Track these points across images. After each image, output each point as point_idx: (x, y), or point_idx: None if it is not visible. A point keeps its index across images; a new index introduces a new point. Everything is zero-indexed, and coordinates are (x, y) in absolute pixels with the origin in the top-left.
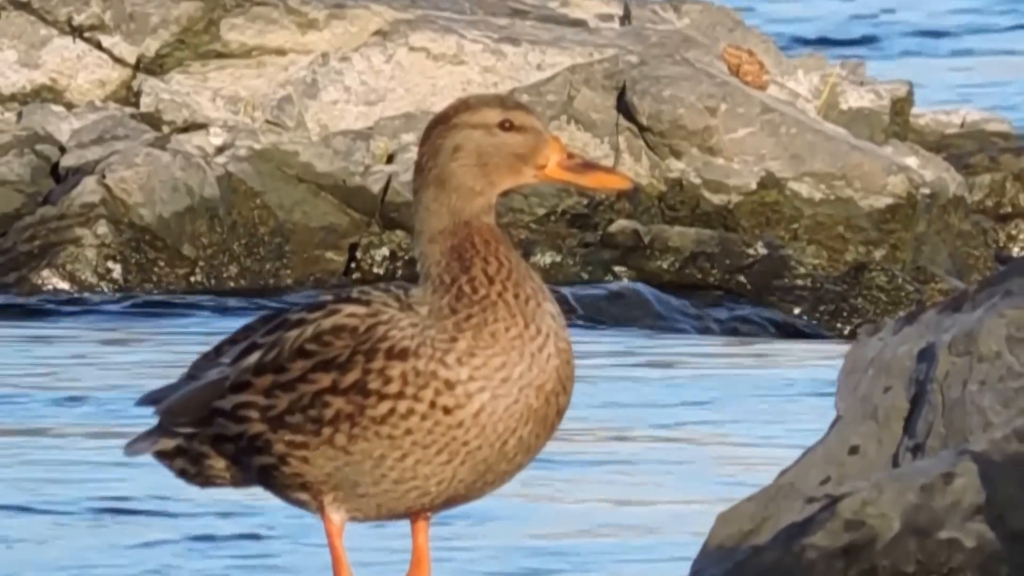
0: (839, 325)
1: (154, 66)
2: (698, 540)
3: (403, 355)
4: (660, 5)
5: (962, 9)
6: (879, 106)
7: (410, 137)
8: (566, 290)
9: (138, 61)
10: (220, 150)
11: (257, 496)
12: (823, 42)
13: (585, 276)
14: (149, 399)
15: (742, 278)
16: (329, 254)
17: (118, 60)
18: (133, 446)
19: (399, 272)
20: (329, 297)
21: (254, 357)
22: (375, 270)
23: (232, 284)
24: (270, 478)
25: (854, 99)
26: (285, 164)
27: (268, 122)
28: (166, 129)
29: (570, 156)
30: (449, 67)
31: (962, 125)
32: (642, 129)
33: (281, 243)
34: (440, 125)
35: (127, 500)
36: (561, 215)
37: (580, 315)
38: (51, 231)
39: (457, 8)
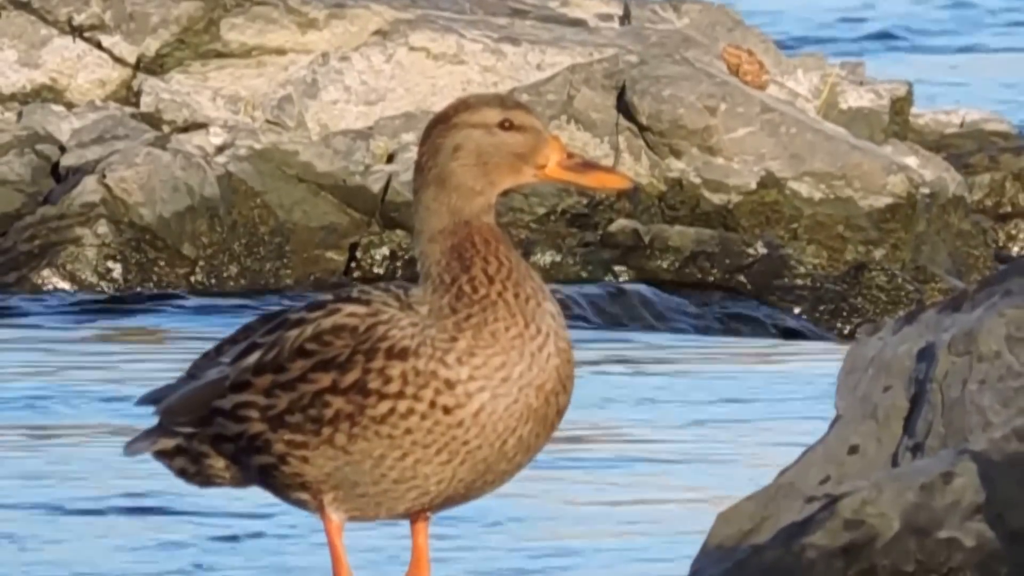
0: (839, 325)
1: (154, 66)
2: (698, 539)
3: (403, 355)
4: (660, 5)
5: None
6: (879, 106)
7: (410, 137)
8: (570, 290)
9: (138, 61)
10: (220, 150)
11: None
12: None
13: (585, 276)
14: (149, 399)
15: (742, 278)
16: (329, 254)
17: (118, 60)
18: (133, 446)
19: (399, 272)
20: (329, 296)
21: (254, 357)
22: (375, 270)
23: (232, 284)
24: (270, 478)
25: (854, 99)
26: (285, 164)
27: (268, 122)
28: (166, 129)
29: (570, 156)
30: (449, 67)
31: (961, 125)
32: (642, 129)
33: (281, 243)
34: (440, 125)
35: (143, 497)
36: (561, 215)
37: (580, 315)
38: (51, 231)
39: (457, 8)
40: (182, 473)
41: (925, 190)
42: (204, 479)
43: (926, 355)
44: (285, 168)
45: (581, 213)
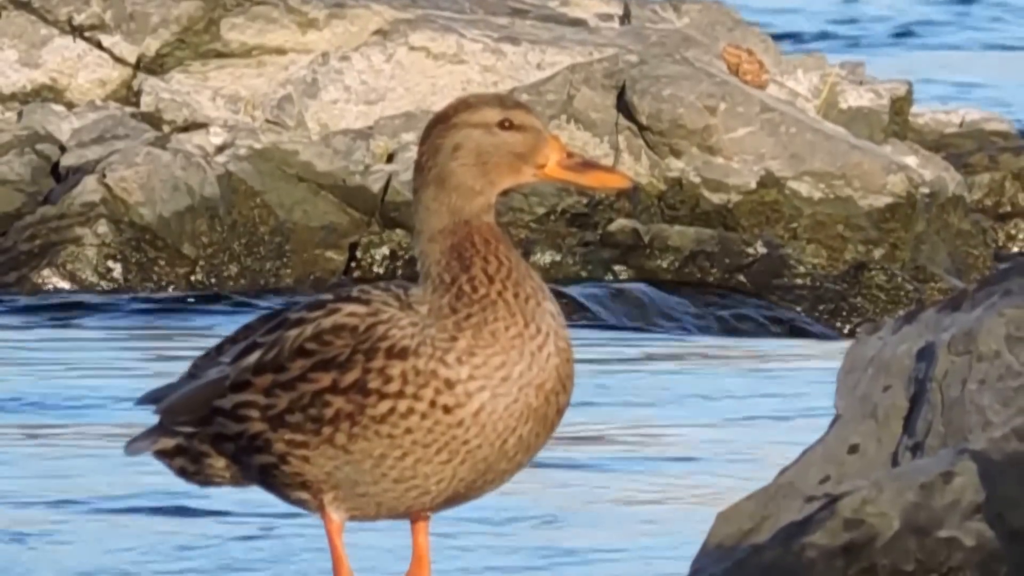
0: (838, 324)
1: (154, 65)
2: (698, 539)
3: (403, 354)
4: (660, 4)
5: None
6: (878, 105)
7: (410, 136)
8: (571, 290)
9: (138, 60)
10: (220, 149)
11: None
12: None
13: (585, 275)
14: (149, 398)
15: (742, 277)
16: (329, 253)
17: (118, 59)
18: (133, 445)
19: (399, 271)
20: (329, 296)
21: (254, 356)
22: (375, 269)
23: (232, 283)
24: (270, 477)
25: (853, 98)
26: (285, 163)
27: (268, 121)
28: (166, 128)
29: (570, 155)
30: (449, 66)
31: (961, 124)
32: (642, 128)
33: (281, 242)
34: (440, 124)
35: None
36: (561, 214)
37: (579, 314)
38: (51, 230)
39: (457, 7)
40: (182, 472)
41: (925, 190)
42: (204, 479)
43: (926, 355)
44: (285, 168)
45: (581, 213)
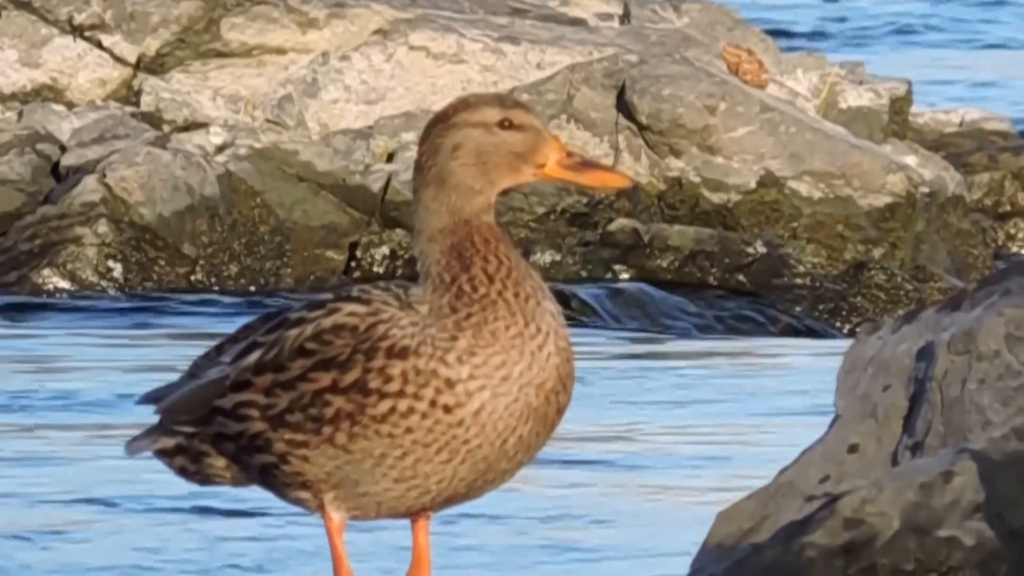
0: (838, 324)
1: (155, 65)
2: (697, 538)
3: (403, 354)
4: (660, 4)
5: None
6: (878, 105)
7: (410, 136)
8: (570, 290)
9: (139, 60)
10: (220, 149)
11: None
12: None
13: (585, 275)
14: (149, 398)
15: (741, 277)
16: (329, 253)
17: (119, 59)
18: (133, 445)
19: (399, 271)
20: (329, 296)
21: (254, 356)
22: (375, 269)
23: (232, 283)
24: (270, 477)
25: (853, 98)
26: (285, 163)
27: (268, 121)
28: (166, 128)
29: (569, 155)
30: (449, 66)
31: (961, 124)
32: (641, 128)
33: (281, 242)
34: (440, 124)
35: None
36: (561, 214)
37: (579, 314)
38: (52, 230)
39: (457, 7)
40: (182, 472)
41: (924, 189)
42: (204, 478)
43: (925, 354)
44: (285, 167)
45: (581, 212)
